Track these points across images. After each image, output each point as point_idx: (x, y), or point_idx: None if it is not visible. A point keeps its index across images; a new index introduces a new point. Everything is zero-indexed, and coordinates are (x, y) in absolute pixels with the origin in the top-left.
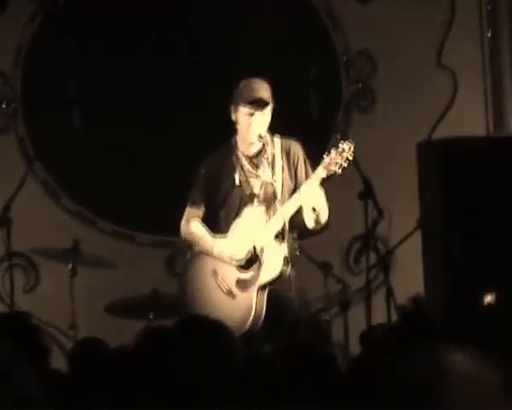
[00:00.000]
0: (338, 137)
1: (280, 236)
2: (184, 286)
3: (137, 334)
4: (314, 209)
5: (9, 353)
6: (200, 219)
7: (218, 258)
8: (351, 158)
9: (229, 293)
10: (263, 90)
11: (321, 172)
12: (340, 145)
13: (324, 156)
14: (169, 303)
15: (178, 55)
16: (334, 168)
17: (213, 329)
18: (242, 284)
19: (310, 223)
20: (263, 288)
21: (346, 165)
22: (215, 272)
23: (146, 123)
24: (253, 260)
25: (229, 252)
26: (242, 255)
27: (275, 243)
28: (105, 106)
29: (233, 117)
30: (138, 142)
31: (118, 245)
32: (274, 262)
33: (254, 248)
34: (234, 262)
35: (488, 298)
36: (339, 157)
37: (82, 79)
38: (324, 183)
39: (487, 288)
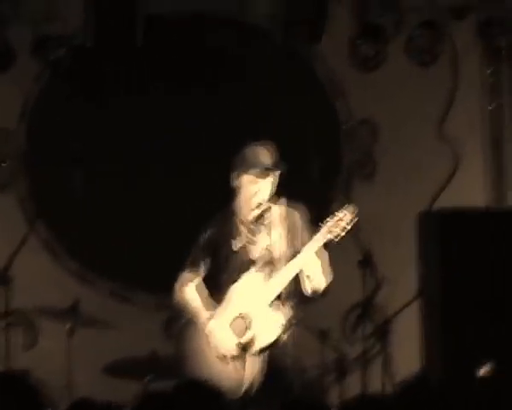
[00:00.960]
0: (337, 204)
1: (277, 303)
2: (181, 349)
3: (135, 398)
4: (308, 277)
5: None
6: (198, 284)
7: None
8: (348, 227)
9: (224, 358)
10: (268, 157)
11: (320, 239)
12: (337, 213)
13: (322, 224)
14: (167, 365)
15: (181, 119)
16: (330, 237)
17: (209, 394)
18: (239, 349)
19: (306, 290)
20: (259, 353)
21: (343, 234)
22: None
23: (147, 186)
24: (248, 326)
25: (217, 341)
26: (226, 347)
27: (272, 310)
28: (107, 167)
29: (235, 183)
30: (139, 204)
31: (116, 306)
32: (271, 328)
33: (246, 326)
34: (219, 353)
35: (484, 369)
36: (336, 226)
37: (85, 139)
38: (326, 248)
39: (485, 358)
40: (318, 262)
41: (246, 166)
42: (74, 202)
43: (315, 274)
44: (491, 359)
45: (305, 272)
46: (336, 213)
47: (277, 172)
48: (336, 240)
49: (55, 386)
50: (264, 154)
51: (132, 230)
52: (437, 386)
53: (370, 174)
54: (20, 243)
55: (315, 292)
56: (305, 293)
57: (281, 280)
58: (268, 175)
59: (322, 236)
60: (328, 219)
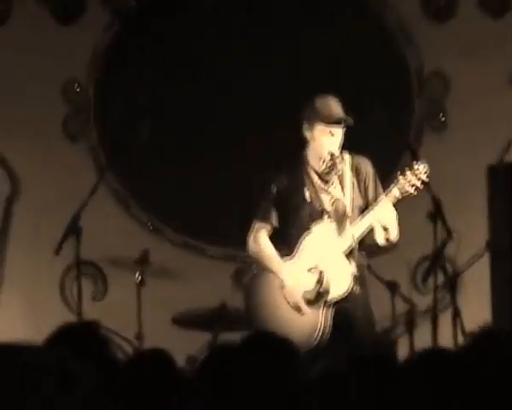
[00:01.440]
0: (409, 156)
1: (349, 254)
2: (251, 300)
3: (204, 349)
4: (385, 228)
5: (77, 362)
6: (267, 235)
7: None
8: (426, 180)
9: (297, 308)
10: (339, 108)
11: (395, 193)
12: (415, 166)
13: (399, 177)
14: (236, 317)
15: (249, 68)
16: (408, 189)
17: (279, 346)
18: (313, 300)
19: (380, 241)
20: (330, 305)
21: (421, 187)
22: (283, 286)
23: (217, 138)
24: (323, 275)
25: (293, 282)
26: (300, 296)
27: (344, 261)
28: (178, 117)
29: (307, 134)
30: (209, 154)
31: (186, 257)
32: (342, 280)
33: (320, 275)
34: (293, 302)
35: None
36: (414, 178)
37: (154, 90)
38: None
39: None
40: (395, 213)
41: (319, 117)
42: (145, 153)
43: (391, 225)
44: None
45: (382, 223)
46: (414, 166)
47: (350, 122)
48: (414, 193)
49: (126, 336)
50: (335, 105)
51: (203, 181)
52: (506, 338)
53: (441, 126)
54: (91, 192)
55: (389, 243)
56: (379, 243)
57: (355, 232)
58: (341, 126)
59: (401, 188)
60: (406, 171)
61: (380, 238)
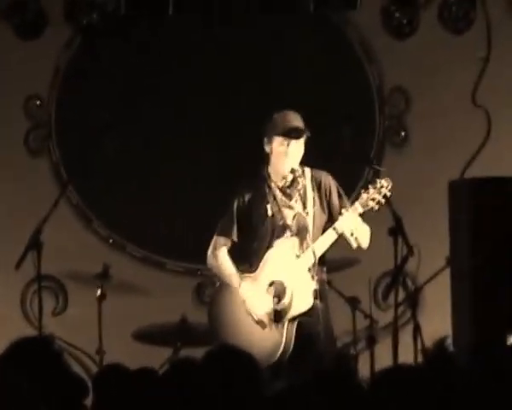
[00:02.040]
0: (371, 171)
1: (311, 269)
2: (213, 314)
3: (165, 364)
4: (352, 234)
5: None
6: (227, 249)
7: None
8: (388, 195)
9: (260, 322)
10: (297, 120)
11: (358, 208)
12: (378, 181)
13: (361, 192)
14: (197, 332)
15: (213, 87)
16: (371, 204)
17: (242, 360)
18: (273, 315)
19: (353, 244)
20: (293, 320)
21: (383, 202)
22: (245, 301)
23: (179, 151)
24: (284, 292)
25: (252, 302)
26: (261, 312)
27: (306, 276)
28: (138, 132)
29: (267, 149)
30: (171, 170)
31: (147, 272)
32: (304, 295)
33: (283, 289)
34: (254, 315)
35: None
36: (377, 193)
37: (116, 104)
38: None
39: None
40: (361, 222)
41: (276, 129)
42: (105, 169)
43: (360, 232)
44: None
45: (349, 232)
46: (377, 182)
47: (307, 134)
48: (376, 208)
49: (86, 351)
50: (292, 117)
51: (164, 196)
52: (466, 356)
53: (402, 142)
54: (52, 207)
55: (361, 247)
56: (353, 247)
57: (317, 248)
58: (298, 136)
59: (363, 204)
60: (369, 186)
61: (352, 242)
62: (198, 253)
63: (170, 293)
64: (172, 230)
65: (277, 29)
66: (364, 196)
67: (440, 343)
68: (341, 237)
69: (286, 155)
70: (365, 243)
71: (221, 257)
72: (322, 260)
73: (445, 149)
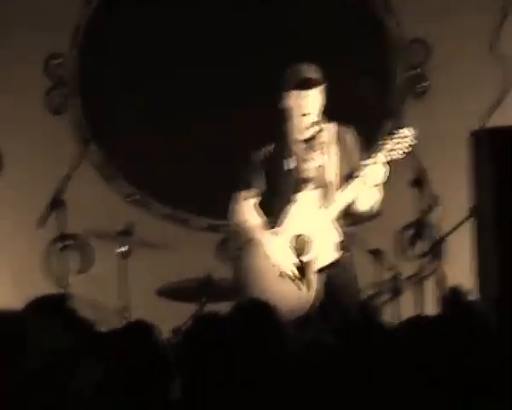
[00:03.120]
0: (391, 123)
1: (334, 221)
2: (239, 269)
3: (190, 319)
4: (376, 185)
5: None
6: (254, 204)
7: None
8: (412, 143)
9: (285, 276)
10: (311, 71)
11: (382, 157)
12: (402, 131)
13: (385, 141)
14: (222, 288)
15: (233, 44)
16: (395, 154)
17: (268, 314)
18: (299, 268)
19: (361, 207)
20: (319, 272)
21: (407, 151)
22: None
23: (201, 109)
24: (310, 244)
25: (276, 258)
26: (286, 265)
27: (329, 229)
28: (162, 90)
29: (285, 104)
30: (193, 127)
31: (171, 228)
32: (328, 247)
33: (307, 242)
34: (280, 270)
35: None
36: (400, 142)
37: (138, 62)
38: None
39: None
40: (383, 173)
41: (290, 83)
42: (127, 127)
43: (375, 188)
44: None
45: (373, 183)
46: (399, 131)
47: (322, 84)
48: (400, 157)
49: (111, 308)
50: (306, 69)
51: (186, 153)
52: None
53: (422, 92)
54: (74, 166)
55: (373, 209)
56: (362, 209)
57: (342, 197)
58: (313, 86)
59: (387, 152)
60: (391, 136)
61: (362, 204)
62: (221, 208)
63: (194, 249)
64: (195, 186)
65: None
66: (388, 145)
67: (455, 291)
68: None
69: (302, 107)
70: (377, 201)
71: (246, 210)
72: (346, 213)
73: (466, 98)
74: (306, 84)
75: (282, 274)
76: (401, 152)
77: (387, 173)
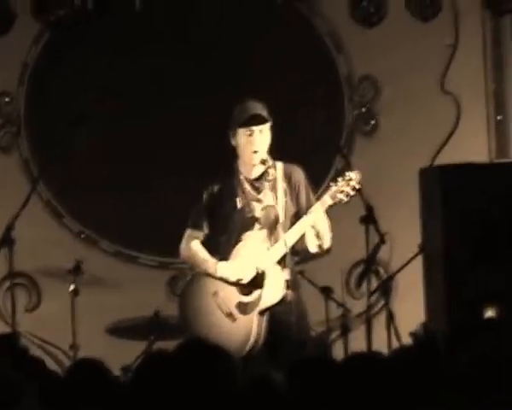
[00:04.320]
0: (341, 161)
1: (282, 260)
2: (184, 307)
3: (139, 357)
4: (318, 236)
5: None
6: (199, 242)
7: (220, 280)
8: (357, 187)
9: (230, 315)
10: (258, 108)
11: (327, 200)
12: (348, 174)
13: (331, 184)
14: (170, 325)
15: (183, 80)
16: (340, 196)
17: (213, 352)
18: (243, 307)
19: (312, 248)
20: (263, 311)
21: (352, 194)
22: (216, 294)
23: (149, 147)
24: (254, 284)
25: (234, 275)
26: (248, 277)
27: (276, 268)
28: (108, 126)
29: (233, 142)
30: (142, 163)
31: (120, 266)
32: (275, 286)
33: (257, 271)
34: (240, 282)
35: (489, 313)
36: (346, 186)
37: (85, 99)
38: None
39: (487, 305)
40: (327, 221)
41: (238, 120)
42: (75, 164)
43: (324, 232)
44: (494, 305)
45: (314, 231)
46: (346, 174)
47: (269, 120)
48: (345, 200)
49: (60, 347)
50: (253, 105)
51: (135, 190)
52: (441, 338)
53: (372, 130)
54: (23, 204)
55: (321, 250)
56: (311, 250)
57: (287, 239)
58: (261, 123)
59: (332, 195)
60: (337, 178)
61: (312, 245)
62: (170, 246)
63: (143, 287)
64: (144, 224)
65: (245, 20)
66: (333, 188)
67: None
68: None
69: (251, 145)
70: (327, 243)
71: (194, 247)
72: (294, 251)
73: (414, 136)
74: (254, 122)
75: (228, 314)
76: (346, 195)
77: (328, 221)
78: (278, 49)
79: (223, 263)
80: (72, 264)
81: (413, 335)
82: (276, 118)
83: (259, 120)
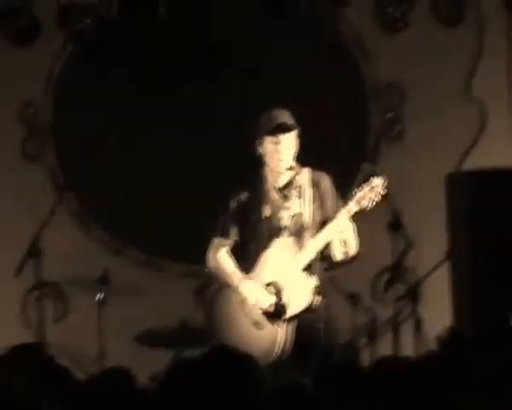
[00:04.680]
0: (367, 166)
1: (309, 267)
2: (212, 316)
3: (166, 367)
4: (344, 242)
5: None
6: (228, 251)
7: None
8: (383, 193)
9: (257, 323)
10: (285, 117)
11: (352, 207)
12: (372, 180)
13: (356, 191)
14: (198, 334)
15: (209, 89)
16: (365, 203)
17: (241, 360)
18: (272, 314)
19: (338, 255)
20: (291, 319)
21: (378, 200)
22: (243, 302)
23: (176, 155)
24: (282, 292)
25: (254, 298)
26: (266, 304)
27: (304, 275)
28: (136, 135)
29: (260, 151)
30: (170, 172)
31: (148, 275)
32: (303, 294)
33: (280, 290)
34: (252, 318)
35: None
36: (371, 192)
37: (113, 111)
38: (354, 214)
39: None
40: (353, 227)
41: (264, 129)
42: (103, 172)
43: (349, 239)
44: None
45: (340, 238)
46: (371, 180)
47: (296, 128)
48: (370, 207)
49: (88, 356)
50: (280, 113)
51: (162, 199)
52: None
53: (398, 137)
54: (49, 214)
55: (347, 257)
56: (335, 258)
57: (314, 246)
58: (287, 131)
59: (357, 202)
60: (362, 185)
61: (338, 253)
62: (198, 255)
63: (171, 295)
64: (172, 232)
65: (270, 27)
66: (359, 194)
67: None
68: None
69: (278, 153)
70: (353, 251)
71: (221, 258)
72: (322, 257)
73: (441, 142)
74: (281, 130)
75: (255, 323)
76: (372, 201)
77: (354, 227)
78: (304, 56)
79: (248, 282)
80: (99, 273)
81: (439, 338)
82: (303, 125)
83: (286, 128)
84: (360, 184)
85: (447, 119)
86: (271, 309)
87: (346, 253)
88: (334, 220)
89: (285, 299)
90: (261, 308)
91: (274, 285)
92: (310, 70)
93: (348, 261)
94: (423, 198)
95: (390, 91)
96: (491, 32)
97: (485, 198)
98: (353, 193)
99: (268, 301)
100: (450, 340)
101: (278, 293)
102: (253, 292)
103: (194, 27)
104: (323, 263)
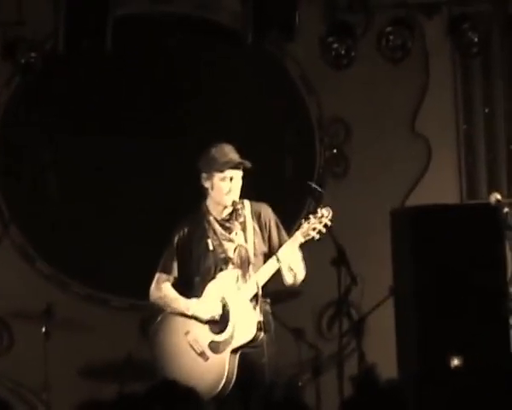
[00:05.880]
0: (312, 202)
1: (254, 300)
2: (156, 348)
3: (111, 400)
4: (291, 269)
5: None
6: (171, 284)
7: (192, 319)
8: (329, 224)
9: (202, 354)
10: (235, 152)
11: (299, 237)
12: (319, 211)
13: (302, 221)
14: (142, 367)
15: (153, 126)
16: (312, 234)
17: (184, 394)
18: (216, 346)
19: (289, 279)
20: (235, 351)
21: (324, 231)
22: (188, 333)
23: (120, 190)
24: (226, 323)
25: (205, 312)
26: (219, 312)
27: (249, 307)
28: (80, 170)
29: (206, 184)
30: (112, 208)
31: (92, 309)
32: (247, 326)
33: (227, 310)
34: (211, 319)
35: (455, 361)
36: (317, 223)
37: (57, 143)
38: (300, 247)
39: (457, 351)
40: (300, 255)
41: (215, 165)
42: (48, 207)
43: (296, 266)
44: (463, 353)
45: (287, 265)
46: (318, 211)
47: (247, 166)
48: (317, 237)
49: (32, 389)
50: (230, 151)
51: (105, 233)
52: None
53: (343, 172)
54: None
55: (295, 281)
56: (286, 282)
57: (258, 278)
58: (237, 168)
59: (304, 233)
60: (310, 216)
61: (288, 277)
62: (141, 289)
63: (115, 329)
64: (115, 267)
65: (215, 61)
66: (305, 225)
67: (368, 371)
68: (278, 272)
69: (228, 189)
70: (301, 276)
71: (164, 289)
72: (266, 292)
73: (386, 177)
74: (234, 167)
75: (200, 353)
76: (317, 232)
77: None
78: (249, 91)
79: (194, 301)
80: (44, 307)
81: (353, 379)
82: (248, 159)
83: (239, 166)
84: (307, 215)
85: (392, 154)
86: (209, 348)
87: (296, 279)
88: (279, 252)
89: (228, 331)
90: (204, 340)
91: (218, 317)
92: (256, 105)
93: (294, 294)
94: (368, 233)
95: (335, 127)
96: (436, 67)
97: (429, 234)
98: (300, 225)
99: (217, 310)
100: (364, 382)
101: (225, 305)
102: (203, 308)
103: (140, 63)
104: (268, 297)
